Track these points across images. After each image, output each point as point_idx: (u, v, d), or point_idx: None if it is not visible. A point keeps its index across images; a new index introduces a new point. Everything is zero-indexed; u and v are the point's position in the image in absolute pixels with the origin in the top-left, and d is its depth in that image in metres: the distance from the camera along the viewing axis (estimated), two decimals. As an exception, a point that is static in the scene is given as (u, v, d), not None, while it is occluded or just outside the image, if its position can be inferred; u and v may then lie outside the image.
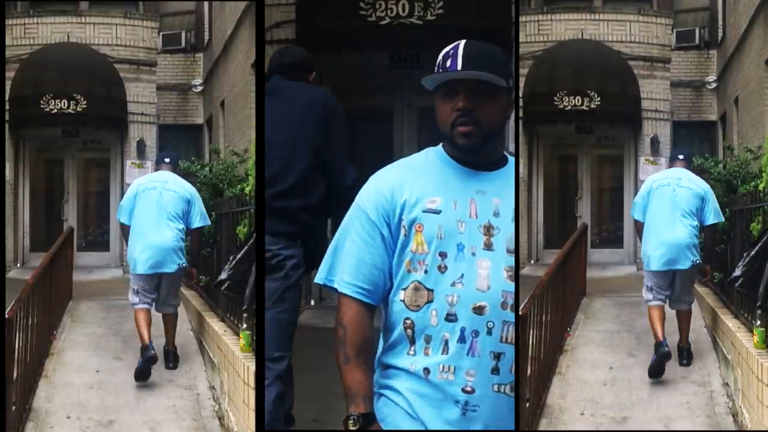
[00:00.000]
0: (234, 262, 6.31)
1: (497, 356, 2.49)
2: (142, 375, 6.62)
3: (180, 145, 10.77)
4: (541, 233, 10.60)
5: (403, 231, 2.54)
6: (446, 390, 2.48)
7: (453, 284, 2.49)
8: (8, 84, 9.85)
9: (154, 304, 6.93)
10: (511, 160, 2.66)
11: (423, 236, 2.51)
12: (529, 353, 5.60)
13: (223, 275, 6.39)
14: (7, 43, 9.15)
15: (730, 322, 6.78)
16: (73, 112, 10.12)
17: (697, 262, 6.87)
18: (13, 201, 10.39)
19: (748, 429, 5.78)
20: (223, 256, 7.03)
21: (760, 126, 9.30)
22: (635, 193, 7.93)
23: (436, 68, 2.57)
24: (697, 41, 10.75)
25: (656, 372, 6.71)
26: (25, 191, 10.65)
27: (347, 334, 2.52)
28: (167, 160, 7.27)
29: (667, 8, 10.57)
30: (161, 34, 10.96)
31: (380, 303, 2.59)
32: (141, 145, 10.58)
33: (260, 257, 4.65)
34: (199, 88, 11.28)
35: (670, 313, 7.02)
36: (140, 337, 6.69)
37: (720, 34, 10.77)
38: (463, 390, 2.48)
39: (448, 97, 2.54)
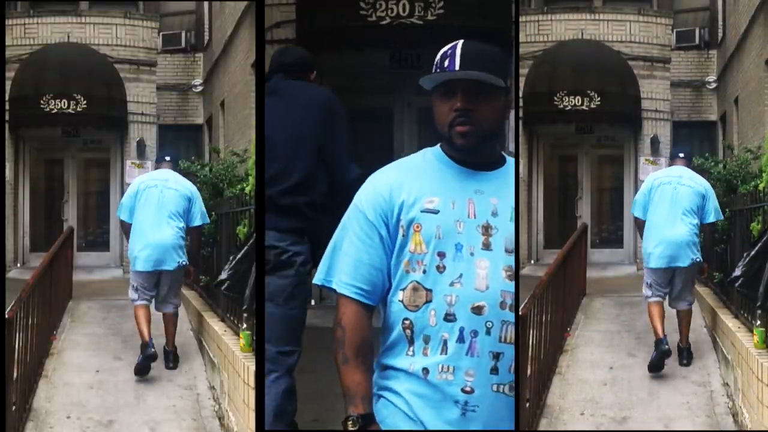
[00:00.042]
0: (234, 262, 6.31)
1: (496, 356, 2.49)
2: (142, 372, 6.68)
3: (180, 145, 10.76)
4: (541, 233, 10.60)
5: (401, 231, 2.53)
6: (445, 390, 2.48)
7: (451, 284, 2.49)
8: (8, 84, 9.84)
9: (153, 301, 6.97)
10: (509, 160, 2.66)
11: (421, 236, 2.51)
12: (529, 353, 5.60)
13: (223, 275, 6.39)
14: (7, 43, 9.14)
15: (730, 322, 6.78)
16: (73, 112, 10.11)
17: (698, 260, 6.88)
18: (13, 201, 10.38)
19: (748, 429, 5.78)
20: (223, 256, 7.03)
21: (760, 126, 9.29)
22: (635, 194, 7.93)
23: (433, 68, 2.57)
24: (697, 41, 10.74)
25: (656, 368, 6.76)
26: (25, 191, 10.64)
27: (346, 335, 2.52)
28: (168, 158, 7.32)
29: (667, 8, 10.57)
30: (161, 34, 10.95)
31: (379, 303, 2.58)
32: (141, 145, 10.58)
33: (260, 257, 4.65)
34: (199, 88, 11.27)
35: (670, 312, 7.03)
36: (140, 334, 6.75)
37: (720, 34, 10.76)
38: (463, 390, 2.47)
39: (445, 97, 2.54)
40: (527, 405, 5.59)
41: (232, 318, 6.41)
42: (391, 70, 9.54)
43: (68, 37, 10.55)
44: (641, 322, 7.53)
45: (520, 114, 9.68)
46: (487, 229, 2.53)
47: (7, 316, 5.38)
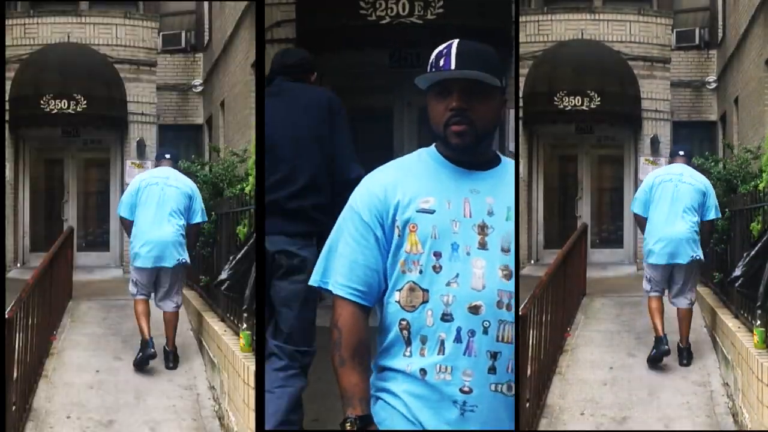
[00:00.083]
0: (234, 262, 6.31)
1: (494, 355, 2.48)
2: (141, 365, 6.76)
3: (180, 145, 10.74)
4: (541, 233, 10.59)
5: (396, 231, 2.53)
6: (443, 390, 2.47)
7: (448, 284, 2.48)
8: (8, 84, 9.84)
9: (154, 298, 7.01)
10: (505, 159, 2.66)
11: (417, 236, 2.50)
12: (529, 353, 5.60)
13: (223, 275, 6.39)
14: (7, 43, 9.13)
15: (730, 322, 6.78)
16: (73, 112, 10.11)
17: (698, 257, 6.90)
18: (13, 201, 10.38)
19: (748, 429, 5.77)
20: (223, 256, 7.03)
21: (760, 126, 9.29)
22: (635, 193, 7.93)
23: (429, 68, 2.56)
24: (697, 41, 10.73)
25: (655, 362, 6.80)
26: (25, 191, 10.64)
27: (342, 337, 2.52)
28: (168, 155, 7.37)
29: (667, 8, 10.56)
30: (161, 34, 10.94)
31: (375, 304, 2.58)
32: (141, 145, 10.58)
33: (260, 257, 4.65)
34: (199, 88, 11.27)
35: (670, 313, 7.03)
36: (140, 330, 6.81)
37: (720, 34, 10.75)
38: (461, 390, 2.47)
39: (441, 96, 2.53)
40: (527, 405, 5.59)
41: (232, 318, 6.41)
42: (390, 69, 9.54)
43: (68, 37, 10.54)
44: (641, 322, 7.53)
45: (520, 114, 9.68)
46: (483, 229, 2.53)
47: (7, 316, 5.37)
